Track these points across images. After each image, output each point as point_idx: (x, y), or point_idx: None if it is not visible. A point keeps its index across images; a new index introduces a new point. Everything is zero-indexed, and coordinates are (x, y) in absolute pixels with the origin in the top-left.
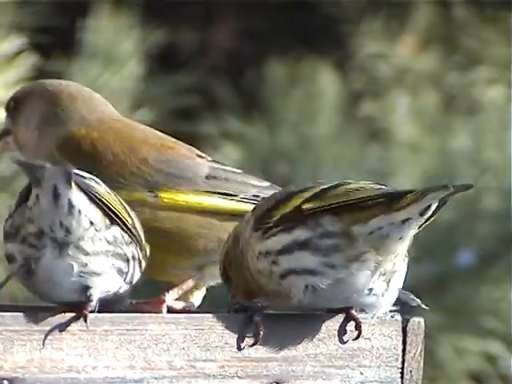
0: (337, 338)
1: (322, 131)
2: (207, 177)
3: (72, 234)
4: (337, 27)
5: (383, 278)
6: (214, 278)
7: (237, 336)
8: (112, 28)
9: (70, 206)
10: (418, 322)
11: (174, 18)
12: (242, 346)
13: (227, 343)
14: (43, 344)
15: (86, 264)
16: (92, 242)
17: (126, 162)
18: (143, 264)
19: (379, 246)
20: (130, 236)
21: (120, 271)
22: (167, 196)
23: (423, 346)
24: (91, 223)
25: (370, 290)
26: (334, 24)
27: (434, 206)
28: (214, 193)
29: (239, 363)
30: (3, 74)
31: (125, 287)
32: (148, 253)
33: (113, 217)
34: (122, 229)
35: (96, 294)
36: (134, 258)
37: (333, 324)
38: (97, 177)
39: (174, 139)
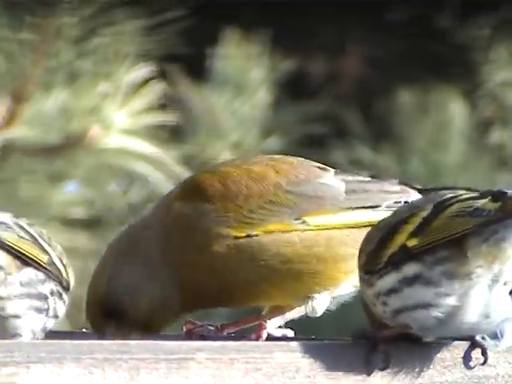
0: (462, 365)
1: (452, 159)
2: (346, 192)
3: None
4: (466, 55)
5: (505, 289)
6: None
7: (363, 364)
8: (241, 55)
9: None
10: None
11: (303, 46)
12: (369, 373)
13: (353, 371)
14: (169, 373)
15: (2, 308)
16: (4, 286)
17: (262, 192)
18: (65, 296)
19: (494, 253)
20: (45, 273)
21: (38, 310)
22: (314, 220)
23: None
24: (0, 268)
25: (494, 306)
26: (463, 52)
27: None
28: (359, 207)
29: None
30: (132, 102)
31: (51, 321)
32: (71, 280)
33: (24, 259)
34: (37, 268)
35: (27, 334)
36: (52, 293)
37: (458, 351)
38: (232, 212)
39: (278, 156)
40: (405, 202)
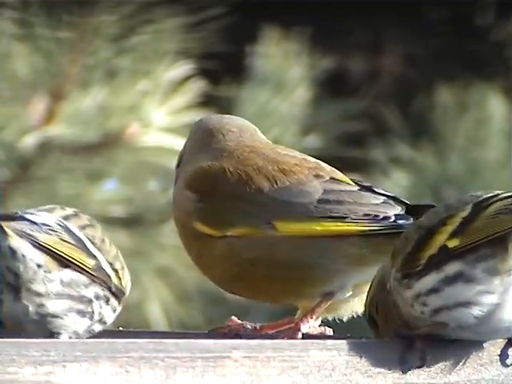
0: (499, 363)
1: (492, 156)
2: (319, 201)
3: (21, 277)
4: (505, 53)
5: None
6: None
7: (399, 362)
8: (281, 54)
9: (12, 251)
10: None
11: (342, 44)
12: (406, 371)
13: (389, 369)
14: (205, 371)
15: (42, 305)
16: (43, 283)
17: (243, 194)
18: (114, 301)
19: None
20: (89, 277)
21: (81, 312)
22: (283, 226)
23: None
24: (38, 266)
25: None
26: (502, 50)
27: None
28: (325, 217)
29: None
30: (171, 100)
31: (98, 327)
32: (126, 286)
33: (63, 261)
34: (79, 271)
35: (64, 336)
36: (98, 297)
37: (494, 349)
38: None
39: (299, 156)
40: (375, 216)
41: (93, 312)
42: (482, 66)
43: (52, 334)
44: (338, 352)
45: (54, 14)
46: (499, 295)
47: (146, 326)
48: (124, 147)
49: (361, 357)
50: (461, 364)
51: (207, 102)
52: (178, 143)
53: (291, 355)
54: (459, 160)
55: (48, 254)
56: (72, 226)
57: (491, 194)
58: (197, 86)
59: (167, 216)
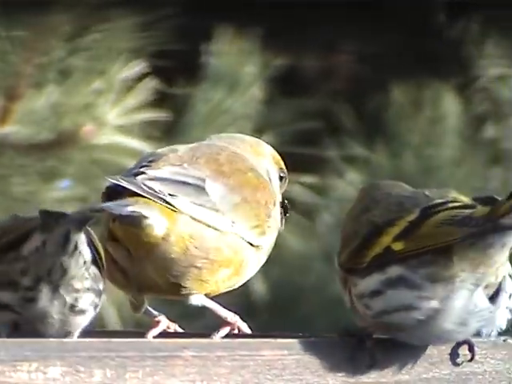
0: (450, 362)
1: (446, 155)
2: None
3: (67, 273)
4: (459, 51)
5: (485, 294)
6: None
7: (349, 361)
8: (234, 52)
9: (75, 247)
10: None
11: (296, 43)
12: (356, 370)
13: (339, 368)
14: (156, 370)
15: (76, 300)
16: (82, 279)
17: None
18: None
19: (480, 257)
20: (100, 271)
21: (96, 307)
22: None
23: None
24: (84, 262)
25: (473, 311)
26: (456, 48)
27: None
28: None
29: None
30: (125, 99)
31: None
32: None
33: (95, 255)
34: (98, 265)
35: (76, 334)
36: (103, 291)
37: (445, 348)
38: None
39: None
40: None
41: (98, 306)
42: (435, 64)
43: (66, 334)
44: (288, 351)
45: (7, 12)
46: (440, 301)
47: (100, 326)
48: (78, 146)
49: (311, 356)
50: (412, 363)
51: (161, 101)
52: (132, 142)
53: (242, 354)
54: (413, 159)
55: (90, 249)
56: None
57: (442, 201)
58: (151, 85)
59: None
